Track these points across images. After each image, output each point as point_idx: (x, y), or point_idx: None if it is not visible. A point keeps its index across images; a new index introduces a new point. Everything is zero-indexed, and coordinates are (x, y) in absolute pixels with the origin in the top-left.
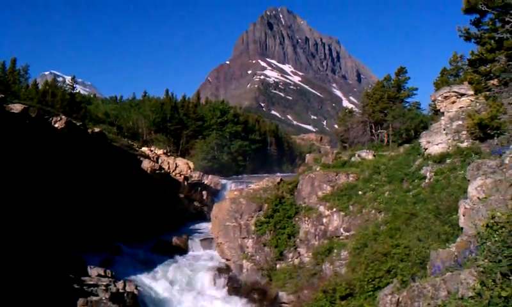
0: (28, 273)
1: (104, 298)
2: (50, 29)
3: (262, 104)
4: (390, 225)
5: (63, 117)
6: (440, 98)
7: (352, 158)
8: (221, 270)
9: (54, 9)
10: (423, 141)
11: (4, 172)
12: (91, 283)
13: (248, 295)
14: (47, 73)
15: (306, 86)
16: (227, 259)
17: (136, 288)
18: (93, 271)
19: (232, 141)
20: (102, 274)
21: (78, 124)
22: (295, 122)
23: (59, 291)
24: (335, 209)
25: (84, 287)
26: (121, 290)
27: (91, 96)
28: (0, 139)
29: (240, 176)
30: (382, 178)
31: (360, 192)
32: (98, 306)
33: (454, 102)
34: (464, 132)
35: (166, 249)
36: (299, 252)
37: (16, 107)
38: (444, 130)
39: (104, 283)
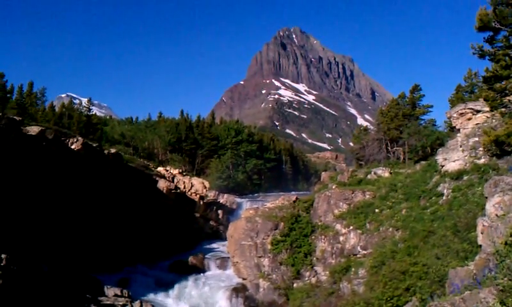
0: (47, 295)
1: None
2: (66, 51)
3: (277, 123)
4: (407, 243)
5: (80, 138)
6: (455, 115)
7: (368, 176)
8: (237, 290)
9: (70, 32)
10: (439, 157)
11: (22, 194)
12: (108, 302)
13: None
14: (63, 95)
15: (321, 105)
16: (243, 279)
17: None
18: (110, 291)
19: (246, 159)
20: (119, 294)
21: (94, 145)
22: (310, 140)
23: None
24: (351, 227)
25: None
26: None
27: (107, 117)
28: (18, 161)
29: (255, 194)
30: (399, 196)
31: (376, 210)
32: None
33: (469, 119)
34: (480, 149)
35: (182, 269)
36: (316, 271)
37: (34, 129)
38: (461, 146)
39: (121, 303)
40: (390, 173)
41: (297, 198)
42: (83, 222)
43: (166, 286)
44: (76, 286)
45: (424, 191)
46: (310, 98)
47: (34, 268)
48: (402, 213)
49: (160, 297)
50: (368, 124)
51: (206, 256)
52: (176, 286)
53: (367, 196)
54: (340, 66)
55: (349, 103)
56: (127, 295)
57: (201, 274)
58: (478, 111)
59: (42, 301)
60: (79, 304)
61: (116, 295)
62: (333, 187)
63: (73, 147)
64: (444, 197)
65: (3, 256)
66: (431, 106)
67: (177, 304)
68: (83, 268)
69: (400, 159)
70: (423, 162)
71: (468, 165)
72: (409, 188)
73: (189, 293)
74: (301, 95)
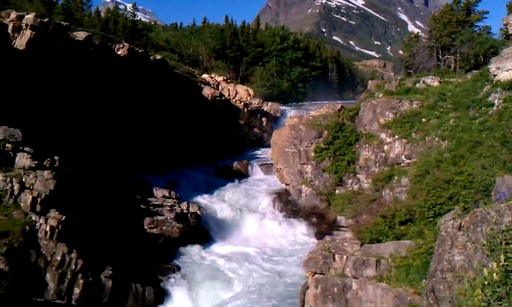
0: (99, 194)
1: (169, 218)
2: None
3: (324, 30)
4: (453, 153)
5: (126, 44)
6: None
7: (417, 85)
8: (280, 194)
9: None
10: (492, 66)
11: (71, 99)
12: (157, 203)
13: (307, 218)
14: (108, 0)
15: (370, 10)
16: (286, 184)
17: (199, 209)
18: (158, 192)
19: (292, 67)
20: (167, 195)
21: (140, 51)
22: (357, 48)
23: (128, 211)
24: (396, 136)
25: (151, 207)
26: (185, 211)
27: (152, 23)
28: (66, 66)
29: (300, 103)
30: (447, 105)
31: (423, 120)
32: (163, 224)
33: None
34: None
35: (227, 174)
36: (358, 179)
37: (80, 35)
38: None
39: (169, 204)
40: (440, 82)
41: (342, 107)
42: (131, 127)
43: (211, 189)
44: (126, 187)
45: (473, 101)
46: (359, 2)
47: (86, 169)
48: (450, 123)
49: (205, 200)
50: (419, 31)
51: (250, 162)
52: (221, 190)
53: (414, 106)
54: None
55: (400, 8)
56: (174, 197)
57: (245, 179)
58: None
59: (94, 201)
60: (129, 203)
61: (164, 196)
62: (380, 95)
63: (119, 53)
64: (494, 108)
65: (56, 157)
66: (487, 12)
67: (221, 206)
68: (132, 171)
69: (451, 68)
70: (474, 71)
71: None
72: (459, 98)
73: (233, 197)
74: (350, 0)
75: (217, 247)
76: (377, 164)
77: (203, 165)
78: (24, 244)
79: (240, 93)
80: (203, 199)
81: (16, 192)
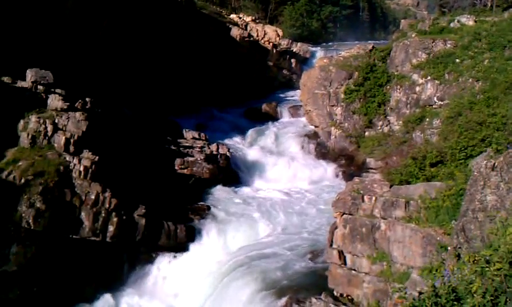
0: (130, 136)
1: (199, 159)
2: None
3: None
4: (487, 94)
5: None
6: None
7: (451, 24)
8: (309, 136)
9: None
10: None
11: (100, 42)
12: (187, 145)
13: (336, 160)
14: None
15: None
16: (315, 126)
17: (229, 151)
18: (188, 134)
19: (321, 6)
20: (197, 136)
21: None
22: None
23: (159, 152)
24: (429, 77)
25: (181, 148)
26: (214, 152)
27: None
28: (94, 6)
29: (330, 43)
30: (482, 45)
31: (457, 60)
32: (193, 165)
33: None
34: None
35: (255, 115)
36: (388, 121)
37: None
38: None
39: (199, 145)
40: (475, 21)
41: (373, 47)
42: (161, 69)
43: (239, 131)
44: (157, 129)
45: (510, 41)
46: None
47: (117, 111)
48: (485, 63)
49: (234, 141)
50: None
51: (279, 104)
52: (250, 132)
53: (448, 46)
54: None
55: None
56: (204, 138)
57: (274, 121)
58: None
59: (126, 142)
60: (160, 145)
61: (194, 138)
62: (413, 35)
63: None
64: None
65: (87, 99)
66: None
67: (250, 148)
68: (162, 112)
69: (487, 6)
70: None
71: None
72: (494, 38)
73: (261, 139)
74: None
75: (246, 189)
76: (409, 106)
77: (232, 107)
78: (59, 184)
79: (269, 34)
80: (232, 141)
81: (49, 134)
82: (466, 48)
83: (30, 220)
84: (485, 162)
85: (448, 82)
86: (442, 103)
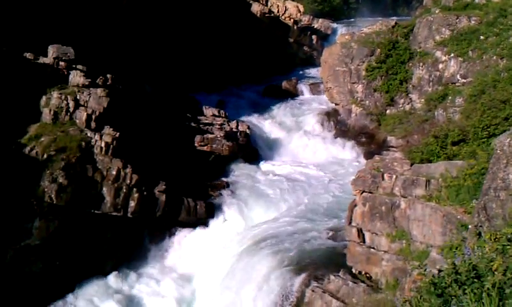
0: (151, 113)
1: (218, 136)
2: None
3: None
4: None
5: None
6: None
7: (476, 0)
8: (329, 114)
9: None
10: None
11: (120, 18)
12: (207, 121)
13: (356, 138)
14: None
15: None
16: (336, 104)
17: (248, 128)
18: (208, 111)
19: None
20: (216, 114)
21: None
22: None
23: (179, 129)
24: (452, 54)
25: (201, 125)
26: (234, 129)
27: None
28: None
29: (351, 19)
30: (508, 22)
31: (481, 37)
32: (213, 142)
33: None
34: None
35: (275, 93)
36: (410, 99)
37: None
38: None
39: (219, 122)
40: None
41: (396, 23)
42: (181, 45)
43: (259, 108)
44: (177, 105)
45: None
46: None
47: (138, 87)
48: (510, 40)
49: (254, 119)
50: None
51: (299, 81)
52: (270, 109)
53: (473, 22)
54: None
55: None
56: (223, 115)
57: (294, 98)
58: None
59: (147, 118)
60: (180, 121)
61: (213, 115)
62: (436, 11)
63: None
64: None
65: (108, 75)
66: None
67: (270, 125)
68: (182, 89)
69: None
70: None
71: None
72: None
73: (282, 116)
74: None
75: (266, 165)
76: (431, 83)
77: (252, 84)
78: (81, 159)
79: (290, 10)
80: (252, 118)
81: (71, 110)
82: (491, 24)
83: (52, 195)
84: (508, 140)
85: (472, 60)
86: (465, 81)
